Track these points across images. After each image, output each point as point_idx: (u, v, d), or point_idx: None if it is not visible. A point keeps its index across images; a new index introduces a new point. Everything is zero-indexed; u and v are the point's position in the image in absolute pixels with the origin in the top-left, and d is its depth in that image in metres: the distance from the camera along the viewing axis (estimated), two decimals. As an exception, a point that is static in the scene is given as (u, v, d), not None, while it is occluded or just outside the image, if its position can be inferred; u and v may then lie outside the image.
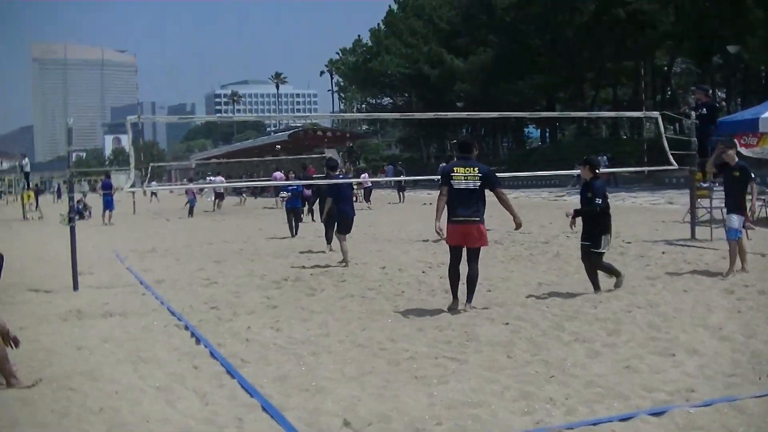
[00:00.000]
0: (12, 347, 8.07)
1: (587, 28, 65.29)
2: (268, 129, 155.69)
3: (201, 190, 54.61)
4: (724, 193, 14.85)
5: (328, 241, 19.96)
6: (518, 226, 11.62)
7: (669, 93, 71.49)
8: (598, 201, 11.86)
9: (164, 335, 10.35)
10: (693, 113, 19.54)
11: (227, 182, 48.53)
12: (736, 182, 13.89)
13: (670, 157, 18.61)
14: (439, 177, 11.67)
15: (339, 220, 17.59)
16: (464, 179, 11.11)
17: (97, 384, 7.96)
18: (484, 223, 11.34)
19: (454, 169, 11.26)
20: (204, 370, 8.52)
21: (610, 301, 11.18)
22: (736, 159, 14.24)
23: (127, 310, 12.20)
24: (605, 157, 50.29)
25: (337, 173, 21.23)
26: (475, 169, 11.22)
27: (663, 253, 16.74)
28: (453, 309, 11.15)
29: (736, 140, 19.59)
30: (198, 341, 9.87)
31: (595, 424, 6.29)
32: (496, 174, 11.64)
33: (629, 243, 18.66)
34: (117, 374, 8.34)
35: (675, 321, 9.93)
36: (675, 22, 58.32)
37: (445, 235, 11.41)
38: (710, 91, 24.52)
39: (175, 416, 6.94)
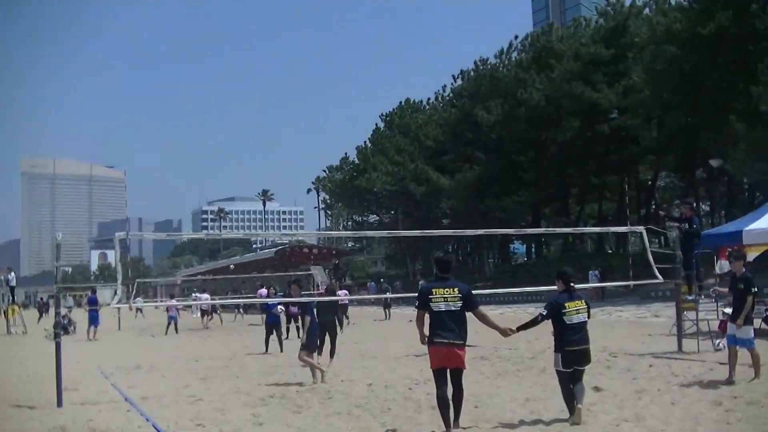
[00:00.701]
0: None
1: (571, 144, 66.22)
2: (255, 246, 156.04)
3: (186, 307, 54.42)
4: (732, 304, 14.99)
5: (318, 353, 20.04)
6: (505, 334, 11.29)
7: (653, 207, 72.07)
8: (543, 312, 11.23)
9: (149, 453, 10.25)
10: (676, 227, 19.78)
11: (213, 300, 48.28)
12: (741, 294, 14.22)
13: (656, 270, 18.74)
14: (417, 299, 10.98)
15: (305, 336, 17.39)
16: (444, 301, 10.59)
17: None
18: (465, 347, 10.76)
19: (433, 290, 10.69)
20: (189, 487, 8.44)
21: (597, 416, 11.15)
22: (743, 270, 14.49)
23: (111, 428, 12.10)
24: (597, 271, 50.67)
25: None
26: (455, 289, 10.69)
27: (650, 366, 16.75)
28: None
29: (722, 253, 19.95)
30: (183, 458, 9.77)
31: None
32: (479, 292, 11.30)
33: (616, 356, 18.71)
34: (101, 492, 8.26)
35: (663, 435, 9.91)
36: (657, 137, 59.24)
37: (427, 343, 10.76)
38: (694, 205, 24.87)
39: None
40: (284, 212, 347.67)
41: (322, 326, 20.12)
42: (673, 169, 66.09)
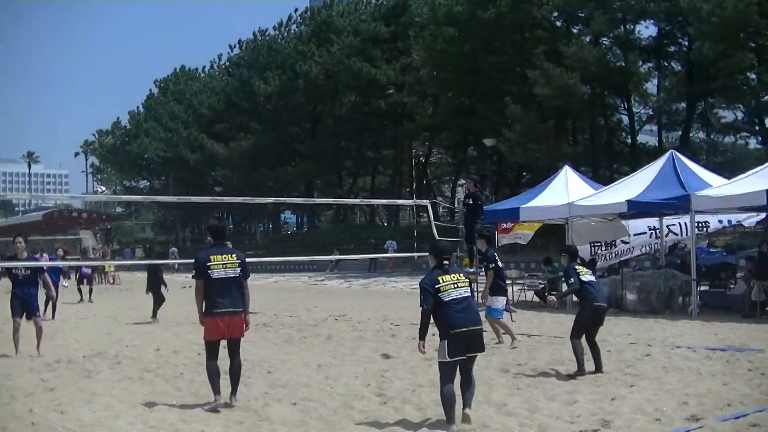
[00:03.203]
0: None
1: (348, 118, 67.19)
2: (18, 209, 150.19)
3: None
4: None
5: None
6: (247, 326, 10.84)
7: (425, 182, 73.86)
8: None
9: None
10: (461, 201, 20.62)
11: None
12: (485, 269, 16.07)
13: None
14: (194, 269, 10.65)
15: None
16: (223, 267, 10.38)
17: None
18: (243, 316, 10.60)
19: (211, 257, 10.45)
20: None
21: (392, 381, 11.41)
22: (486, 248, 16.01)
23: None
24: (394, 242, 51.77)
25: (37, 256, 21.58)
26: (233, 256, 10.59)
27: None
28: (215, 408, 10.13)
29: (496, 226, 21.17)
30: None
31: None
32: (252, 260, 11.07)
33: (398, 326, 19.22)
34: None
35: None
36: (432, 115, 60.89)
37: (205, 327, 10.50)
38: (478, 182, 25.97)
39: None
40: (49, 175, 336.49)
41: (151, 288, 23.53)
42: (447, 146, 67.89)
